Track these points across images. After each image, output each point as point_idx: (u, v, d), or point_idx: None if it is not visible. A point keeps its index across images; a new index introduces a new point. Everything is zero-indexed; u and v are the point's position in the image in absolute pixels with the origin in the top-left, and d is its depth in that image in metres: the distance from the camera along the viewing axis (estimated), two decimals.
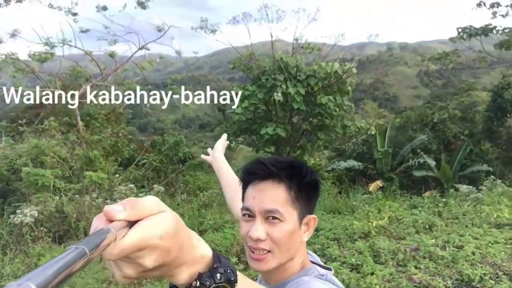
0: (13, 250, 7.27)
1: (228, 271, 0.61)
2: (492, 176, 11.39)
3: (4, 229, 7.71)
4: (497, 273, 4.67)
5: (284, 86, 9.69)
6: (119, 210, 0.50)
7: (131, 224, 0.50)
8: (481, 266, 4.75)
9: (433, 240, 6.06)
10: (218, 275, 0.59)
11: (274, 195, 1.02)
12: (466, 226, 6.95)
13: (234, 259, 5.79)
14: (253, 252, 1.04)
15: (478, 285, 4.39)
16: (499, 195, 8.85)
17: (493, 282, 4.42)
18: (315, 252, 4.95)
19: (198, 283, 0.58)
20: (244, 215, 1.06)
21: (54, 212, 8.17)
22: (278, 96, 9.60)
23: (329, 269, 1.14)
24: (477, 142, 18.14)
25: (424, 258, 5.39)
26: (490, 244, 5.70)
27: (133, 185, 9.67)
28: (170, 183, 11.95)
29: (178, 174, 12.44)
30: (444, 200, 9.02)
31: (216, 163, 1.81)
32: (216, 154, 1.82)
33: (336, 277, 3.79)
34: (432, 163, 15.05)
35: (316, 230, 7.08)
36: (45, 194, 8.52)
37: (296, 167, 1.06)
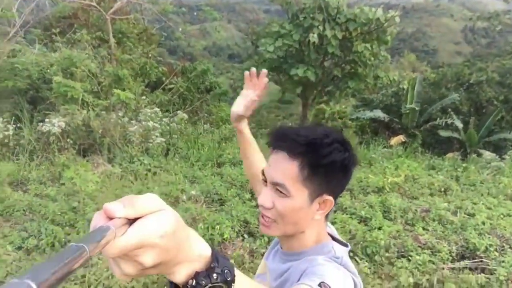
0: (39, 157, 7.61)
1: (226, 271, 0.61)
2: None
3: (33, 136, 8.00)
4: (503, 246, 4.72)
5: (321, 28, 9.38)
6: (119, 207, 0.50)
7: (130, 221, 0.51)
8: (489, 237, 4.80)
9: (446, 204, 6.10)
10: (214, 275, 0.60)
11: (285, 169, 1.01)
12: (482, 195, 6.94)
13: (247, 195, 5.96)
14: (262, 217, 1.06)
15: (482, 255, 4.46)
16: None
17: (497, 254, 4.48)
18: None
19: (194, 282, 0.59)
20: (263, 177, 1.08)
21: (81, 125, 8.40)
22: (313, 37, 9.31)
23: (346, 245, 1.15)
24: (510, 109, 17.56)
25: (434, 220, 5.46)
26: (502, 216, 5.71)
27: (158, 109, 9.79)
28: (195, 111, 12.07)
29: (202, 103, 12.51)
30: (464, 165, 8.93)
31: (241, 137, 1.51)
32: (241, 127, 1.49)
33: (343, 227, 3.91)
34: (460, 125, 14.74)
35: None
36: (73, 106, 8.73)
37: (314, 145, 1.00)
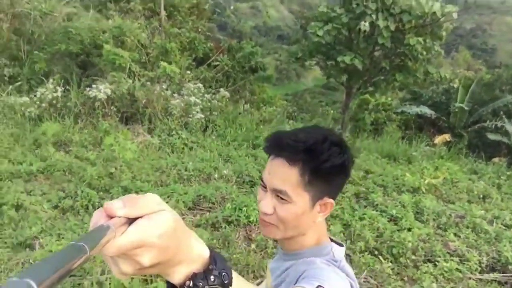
0: (83, 120, 7.90)
1: (223, 274, 0.61)
2: None
3: (79, 100, 8.29)
4: None
5: (374, 16, 9.09)
6: (119, 206, 0.50)
7: (130, 221, 0.51)
8: None
9: (483, 212, 5.87)
10: (212, 277, 0.60)
11: (285, 175, 0.99)
12: None
13: None
14: (263, 221, 1.06)
15: None
16: None
17: None
18: (359, 193, 4.98)
19: (192, 283, 0.58)
20: (261, 183, 1.07)
21: (126, 94, 8.61)
22: (365, 26, 9.05)
23: (341, 244, 1.14)
24: None
25: (467, 227, 5.28)
26: None
27: (202, 84, 9.87)
28: (237, 90, 12.08)
29: (246, 82, 12.50)
30: (508, 173, 8.55)
31: None
32: None
33: (372, 224, 3.87)
34: (511, 129, 14.03)
35: (366, 172, 7.07)
36: (120, 74, 8.95)
37: (314, 151, 0.98)
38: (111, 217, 0.50)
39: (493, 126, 14.65)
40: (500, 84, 17.43)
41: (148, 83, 9.16)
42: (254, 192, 5.57)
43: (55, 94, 8.19)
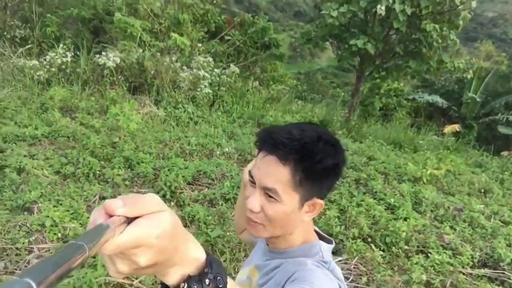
0: (91, 88, 7.90)
1: (218, 278, 0.61)
2: None
3: (88, 66, 8.28)
4: None
5: (390, 0, 8.89)
6: (119, 205, 0.50)
7: (129, 220, 0.51)
8: None
9: (482, 206, 5.87)
10: (207, 280, 0.60)
11: (276, 174, 0.97)
12: None
13: None
14: (249, 219, 1.04)
15: (506, 267, 4.30)
16: None
17: None
18: (359, 179, 4.97)
19: (186, 285, 0.59)
20: (250, 179, 1.05)
21: (135, 63, 8.59)
22: (381, 9, 8.85)
23: (330, 241, 1.13)
24: None
25: (464, 221, 5.28)
26: None
27: (212, 58, 9.81)
28: (248, 66, 12.00)
29: (257, 59, 12.39)
30: None
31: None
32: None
33: (368, 211, 3.90)
34: None
35: (369, 158, 7.05)
36: (131, 43, 8.91)
37: (307, 151, 0.95)
38: (110, 216, 0.50)
39: (505, 119, 14.48)
40: None
41: (158, 54, 9.11)
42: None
43: (64, 59, 8.19)
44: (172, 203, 4.44)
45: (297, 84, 14.51)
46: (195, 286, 0.59)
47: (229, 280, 0.64)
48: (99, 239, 0.46)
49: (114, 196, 4.49)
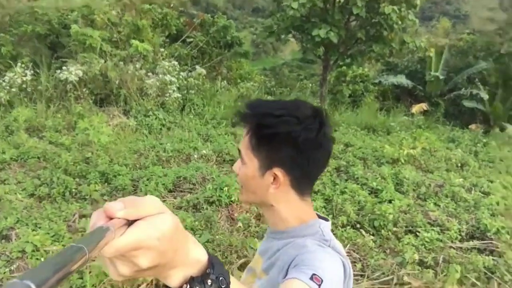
0: (56, 104, 7.65)
1: (220, 278, 0.61)
2: None
3: (50, 83, 8.01)
4: None
5: None
6: (119, 208, 0.50)
7: (130, 222, 0.51)
8: (502, 219, 4.69)
9: (461, 180, 5.97)
10: (209, 281, 0.59)
11: (244, 138, 1.04)
12: (500, 172, 6.78)
13: None
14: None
15: (493, 237, 4.38)
16: None
17: (508, 236, 4.39)
18: (339, 167, 4.96)
19: (188, 286, 0.58)
20: None
21: (98, 75, 8.37)
22: None
23: (326, 219, 1.11)
24: None
25: (447, 197, 5.36)
26: None
27: (177, 62, 9.65)
28: (213, 66, 11.88)
29: (222, 59, 12.28)
30: (485, 140, 8.69)
31: None
32: None
33: (353, 197, 3.86)
34: (485, 96, 14.23)
35: (346, 145, 7.08)
36: (91, 55, 8.68)
37: (259, 115, 0.99)
38: (111, 218, 0.50)
39: (469, 93, 14.84)
40: (474, 51, 17.57)
41: (121, 62, 8.91)
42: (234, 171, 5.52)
43: (24, 78, 7.91)
44: None
45: (265, 80, 14.47)
46: (198, 287, 0.58)
47: (232, 280, 0.63)
48: (100, 241, 0.45)
49: None
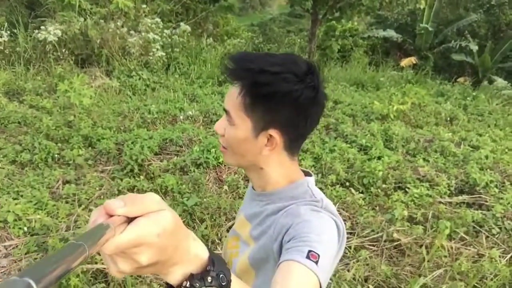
0: (35, 66, 7.37)
1: (221, 275, 0.60)
2: None
3: (28, 44, 7.69)
4: (504, 182, 4.62)
5: None
6: (119, 205, 0.50)
7: (130, 220, 0.50)
8: (491, 173, 4.68)
9: (450, 135, 5.94)
10: (209, 278, 0.59)
11: (232, 96, 0.96)
12: (488, 126, 6.77)
13: None
14: (220, 142, 1.06)
15: (482, 191, 4.38)
16: None
17: (497, 190, 4.39)
18: (328, 125, 4.88)
19: (188, 283, 0.58)
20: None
21: (78, 34, 8.05)
22: None
23: (310, 174, 1.08)
24: None
25: (436, 151, 5.33)
26: (506, 150, 5.57)
27: (160, 19, 9.30)
28: (198, 23, 11.50)
29: (208, 14, 11.87)
30: (474, 93, 8.63)
31: None
32: None
33: (342, 155, 3.80)
34: (475, 48, 14.06)
35: (335, 103, 6.98)
36: (70, 13, 8.31)
37: (255, 72, 0.90)
38: (110, 216, 0.49)
39: (458, 46, 14.65)
40: (465, 3, 17.24)
41: (102, 21, 8.54)
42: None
43: (1, 39, 7.56)
44: (142, 177, 4.22)
45: (253, 36, 14.07)
46: (197, 284, 0.58)
47: (233, 277, 0.63)
48: (100, 238, 0.45)
49: (79, 179, 4.25)
